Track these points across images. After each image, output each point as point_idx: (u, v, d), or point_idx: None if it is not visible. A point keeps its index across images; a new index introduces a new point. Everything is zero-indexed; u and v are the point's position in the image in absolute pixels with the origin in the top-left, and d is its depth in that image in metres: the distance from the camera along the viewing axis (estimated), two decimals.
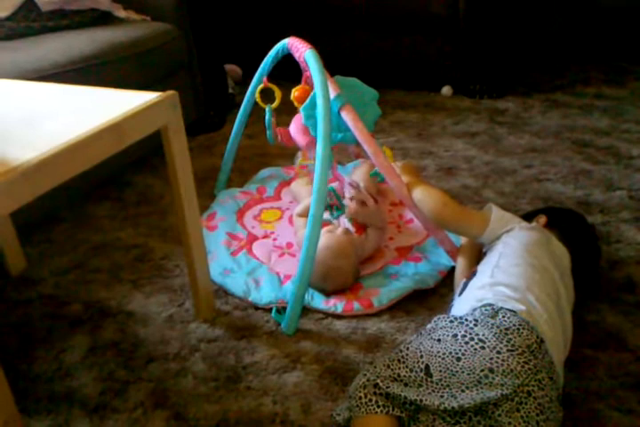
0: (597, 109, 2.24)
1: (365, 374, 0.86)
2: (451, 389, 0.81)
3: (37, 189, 0.77)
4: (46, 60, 1.44)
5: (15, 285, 1.30)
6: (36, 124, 0.88)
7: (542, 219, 1.19)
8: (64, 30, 1.70)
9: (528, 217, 1.21)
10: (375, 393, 0.83)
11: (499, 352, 0.82)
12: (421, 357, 0.85)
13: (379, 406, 0.82)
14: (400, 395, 0.81)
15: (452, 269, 1.26)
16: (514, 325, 0.86)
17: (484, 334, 0.85)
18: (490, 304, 0.91)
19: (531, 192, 1.64)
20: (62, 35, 1.66)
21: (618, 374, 1.01)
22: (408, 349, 0.88)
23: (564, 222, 1.20)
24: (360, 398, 0.84)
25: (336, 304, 1.18)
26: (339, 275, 1.21)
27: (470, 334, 0.86)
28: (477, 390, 0.79)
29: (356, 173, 1.61)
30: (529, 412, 0.78)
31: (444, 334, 0.88)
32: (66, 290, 1.28)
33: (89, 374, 1.04)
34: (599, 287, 1.22)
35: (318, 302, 1.20)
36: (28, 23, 1.66)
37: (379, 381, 0.83)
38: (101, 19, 1.82)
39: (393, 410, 0.82)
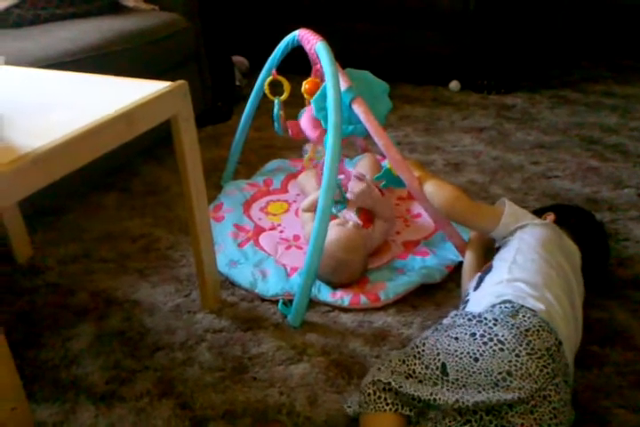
0: (606, 107, 2.23)
1: (379, 369, 0.86)
2: (467, 389, 0.80)
3: (48, 176, 0.77)
4: (54, 49, 1.43)
5: (22, 272, 1.30)
6: (47, 113, 0.88)
7: (551, 216, 1.19)
8: (72, 19, 1.70)
9: (536, 214, 1.20)
10: (385, 390, 0.83)
11: (518, 355, 0.81)
12: (438, 354, 0.84)
13: (387, 404, 0.82)
14: (413, 394, 0.80)
15: (460, 263, 1.25)
16: (534, 326, 0.85)
17: (503, 335, 0.83)
18: (510, 301, 0.90)
19: (539, 189, 1.63)
20: (70, 23, 1.65)
21: (625, 372, 1.01)
22: (424, 345, 0.87)
23: (573, 220, 1.19)
24: (369, 394, 0.83)
25: (343, 297, 1.18)
26: (347, 268, 1.21)
27: (489, 334, 0.84)
28: (494, 392, 0.78)
29: (361, 165, 1.61)
30: (542, 415, 0.78)
31: (462, 333, 0.86)
32: (72, 279, 1.28)
33: (95, 363, 1.04)
34: (607, 285, 1.21)
35: (325, 294, 1.20)
36: (35, 11, 1.65)
37: (391, 379, 0.82)
38: (110, 7, 1.82)
39: (402, 408, 0.82)
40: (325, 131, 1.26)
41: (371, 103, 1.23)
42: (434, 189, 1.18)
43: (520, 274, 0.97)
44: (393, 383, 0.82)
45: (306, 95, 1.34)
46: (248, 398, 0.97)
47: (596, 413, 0.93)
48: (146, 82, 0.98)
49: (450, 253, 1.30)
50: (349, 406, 0.88)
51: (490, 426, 0.78)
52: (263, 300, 1.20)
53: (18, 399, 0.83)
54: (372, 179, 1.36)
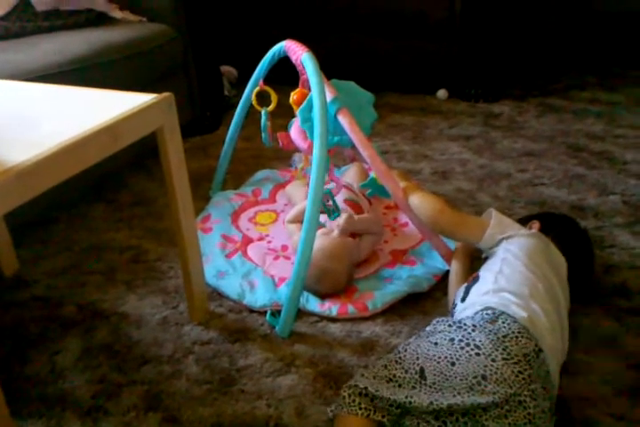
0: (592, 114, 2.25)
1: (363, 374, 0.87)
2: (443, 393, 0.81)
3: (32, 190, 0.77)
4: (41, 61, 1.43)
5: (8, 286, 1.29)
6: (31, 125, 0.88)
7: (536, 225, 1.19)
8: (59, 30, 1.70)
9: (521, 223, 1.21)
10: (361, 395, 0.84)
11: (493, 360, 0.82)
12: (417, 359, 0.85)
13: (360, 409, 0.83)
14: (389, 398, 0.81)
15: (447, 273, 1.26)
16: (512, 332, 0.86)
17: (480, 340, 0.85)
18: (491, 308, 0.92)
19: (525, 196, 1.65)
20: (57, 35, 1.65)
21: (611, 380, 1.01)
22: (406, 350, 0.88)
23: (558, 228, 1.20)
24: (344, 397, 0.85)
25: (330, 307, 1.18)
26: (332, 277, 1.21)
27: (467, 339, 0.86)
28: (469, 396, 0.79)
29: (348, 175, 1.61)
30: (517, 420, 0.78)
31: (441, 338, 0.88)
32: (59, 291, 1.27)
33: (82, 377, 1.04)
34: (593, 292, 1.22)
35: (313, 305, 1.20)
36: (22, 23, 1.65)
37: (369, 385, 0.83)
38: (97, 19, 1.82)
39: (374, 414, 0.83)
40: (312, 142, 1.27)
41: (356, 114, 1.24)
42: (418, 202, 1.19)
43: (506, 284, 0.97)
44: (370, 388, 0.83)
45: (294, 106, 1.35)
46: (235, 410, 0.96)
47: (582, 421, 0.93)
48: (131, 94, 0.98)
49: (437, 262, 1.30)
50: (332, 410, 0.89)
51: None
52: (251, 311, 1.20)
53: (2, 415, 0.82)
54: (359, 186, 1.36)
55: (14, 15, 1.63)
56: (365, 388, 0.83)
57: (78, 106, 0.97)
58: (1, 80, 1.10)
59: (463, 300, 1.02)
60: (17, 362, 1.07)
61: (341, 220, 1.28)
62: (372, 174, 1.28)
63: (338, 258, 1.22)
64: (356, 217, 1.32)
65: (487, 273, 1.03)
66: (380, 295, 1.21)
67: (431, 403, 0.79)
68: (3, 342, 1.12)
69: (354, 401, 0.84)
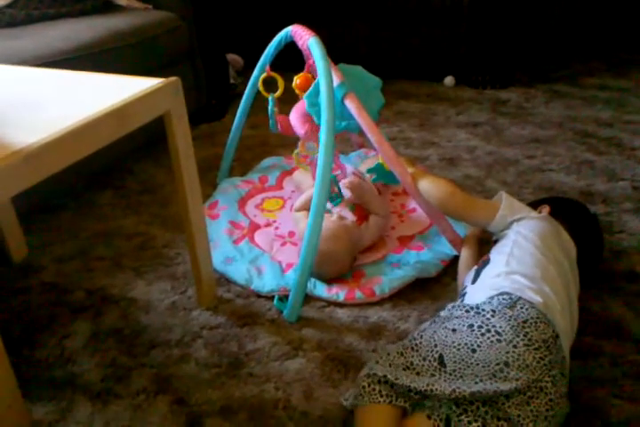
0: (600, 100, 2.23)
1: (377, 361, 0.86)
2: (464, 380, 0.80)
3: (40, 173, 0.77)
4: (48, 48, 1.43)
5: (17, 272, 1.30)
6: (39, 110, 0.88)
7: (546, 209, 1.19)
8: (65, 18, 1.69)
9: (531, 207, 1.20)
10: (380, 382, 0.83)
11: (515, 346, 0.81)
12: (435, 346, 0.85)
13: (382, 396, 0.83)
14: (409, 386, 0.80)
15: (455, 258, 1.26)
16: (531, 318, 0.85)
17: (500, 326, 0.84)
18: (507, 293, 0.91)
19: (534, 182, 1.64)
20: (63, 22, 1.65)
21: (620, 363, 1.01)
22: (422, 337, 0.87)
23: (567, 212, 1.20)
24: (364, 386, 0.84)
25: (338, 293, 1.18)
26: (333, 259, 1.21)
27: (487, 325, 0.85)
28: (491, 383, 0.78)
29: (365, 166, 1.60)
30: (539, 406, 0.78)
31: (459, 324, 0.87)
32: (68, 277, 1.28)
33: (91, 360, 1.04)
34: (602, 277, 1.21)
35: (320, 290, 1.20)
36: (28, 11, 1.65)
37: (387, 372, 0.83)
38: (103, 6, 1.81)
39: (396, 400, 0.82)
40: (315, 127, 1.26)
41: (363, 99, 1.23)
42: (428, 186, 1.18)
43: (518, 267, 0.97)
44: (389, 376, 0.82)
45: (297, 90, 1.34)
46: (244, 393, 0.97)
47: (592, 403, 0.93)
48: (138, 79, 0.98)
49: (445, 248, 1.30)
50: (346, 400, 0.88)
51: (486, 417, 0.78)
52: (259, 296, 1.20)
53: (13, 398, 0.83)
54: (365, 171, 1.36)
55: (20, 3, 1.63)
56: (385, 375, 0.82)
57: (85, 90, 0.97)
58: (8, 66, 1.10)
59: (474, 282, 1.01)
60: (27, 346, 1.08)
61: (347, 180, 1.28)
62: (379, 160, 1.27)
63: (337, 240, 1.22)
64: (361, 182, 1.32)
65: (498, 255, 1.03)
66: (388, 280, 1.21)
67: (453, 391, 0.78)
68: (13, 327, 1.13)
69: (374, 390, 0.83)
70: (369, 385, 0.84)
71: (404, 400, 0.82)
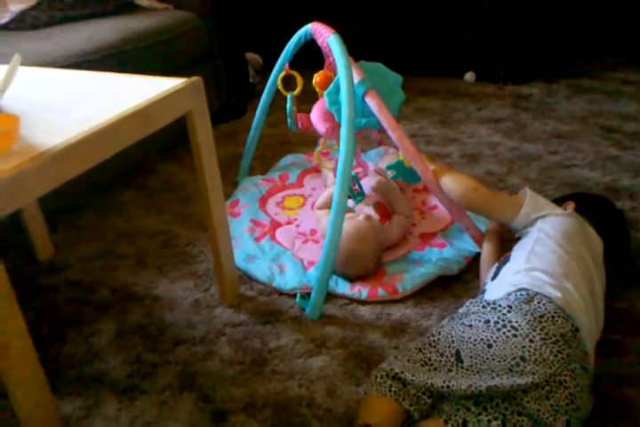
0: (624, 95, 2.20)
1: (397, 356, 0.86)
2: (481, 375, 0.80)
3: (66, 173, 0.78)
4: (71, 49, 1.45)
5: (43, 271, 1.32)
6: (64, 111, 0.89)
7: (571, 205, 1.17)
8: (87, 19, 1.71)
9: (556, 203, 1.19)
10: (394, 378, 0.83)
11: (531, 340, 0.81)
12: (452, 342, 0.85)
13: (389, 391, 0.83)
14: (426, 383, 0.80)
15: (477, 255, 1.25)
16: (549, 312, 0.85)
17: (517, 321, 0.83)
18: (525, 289, 0.90)
19: (557, 178, 1.62)
20: (86, 24, 1.67)
21: None
22: (440, 333, 0.87)
23: (593, 209, 1.18)
24: (376, 377, 0.84)
25: (360, 290, 1.18)
26: (359, 259, 1.21)
27: (503, 320, 0.84)
28: (508, 377, 0.78)
29: (384, 163, 1.60)
30: (559, 401, 0.77)
31: (476, 320, 0.87)
32: (93, 276, 1.30)
33: (117, 357, 1.06)
34: (628, 274, 1.20)
35: (343, 287, 1.20)
36: (51, 12, 1.67)
37: (404, 370, 0.82)
38: (124, 7, 1.83)
39: (403, 400, 0.82)
40: (336, 124, 1.26)
41: (384, 95, 1.23)
42: (451, 182, 1.18)
43: (538, 264, 0.96)
44: (406, 374, 0.82)
45: (317, 88, 1.34)
46: (268, 390, 0.98)
47: (617, 400, 0.92)
48: (161, 79, 0.99)
49: (467, 245, 1.29)
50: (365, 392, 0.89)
51: (506, 413, 0.78)
52: (281, 294, 1.21)
53: (42, 394, 0.84)
54: (385, 168, 1.36)
55: (44, 5, 1.65)
56: (401, 372, 0.82)
57: (108, 91, 0.98)
58: (33, 68, 1.12)
59: (493, 279, 1.01)
60: (54, 343, 1.10)
61: (373, 181, 1.28)
62: (400, 156, 1.27)
63: (364, 240, 1.22)
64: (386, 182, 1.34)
65: (519, 253, 1.02)
66: (410, 278, 1.20)
67: (470, 386, 0.78)
68: (40, 325, 1.15)
69: (385, 382, 0.83)
70: (381, 377, 0.84)
71: (410, 404, 0.82)
